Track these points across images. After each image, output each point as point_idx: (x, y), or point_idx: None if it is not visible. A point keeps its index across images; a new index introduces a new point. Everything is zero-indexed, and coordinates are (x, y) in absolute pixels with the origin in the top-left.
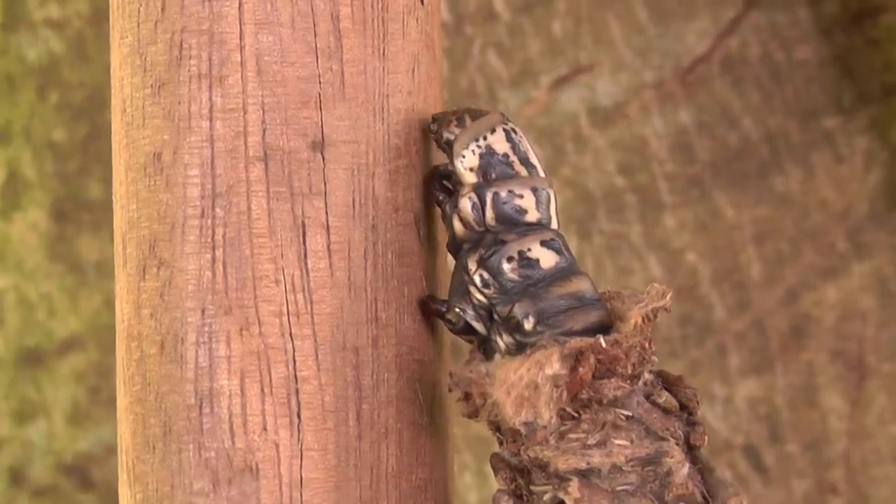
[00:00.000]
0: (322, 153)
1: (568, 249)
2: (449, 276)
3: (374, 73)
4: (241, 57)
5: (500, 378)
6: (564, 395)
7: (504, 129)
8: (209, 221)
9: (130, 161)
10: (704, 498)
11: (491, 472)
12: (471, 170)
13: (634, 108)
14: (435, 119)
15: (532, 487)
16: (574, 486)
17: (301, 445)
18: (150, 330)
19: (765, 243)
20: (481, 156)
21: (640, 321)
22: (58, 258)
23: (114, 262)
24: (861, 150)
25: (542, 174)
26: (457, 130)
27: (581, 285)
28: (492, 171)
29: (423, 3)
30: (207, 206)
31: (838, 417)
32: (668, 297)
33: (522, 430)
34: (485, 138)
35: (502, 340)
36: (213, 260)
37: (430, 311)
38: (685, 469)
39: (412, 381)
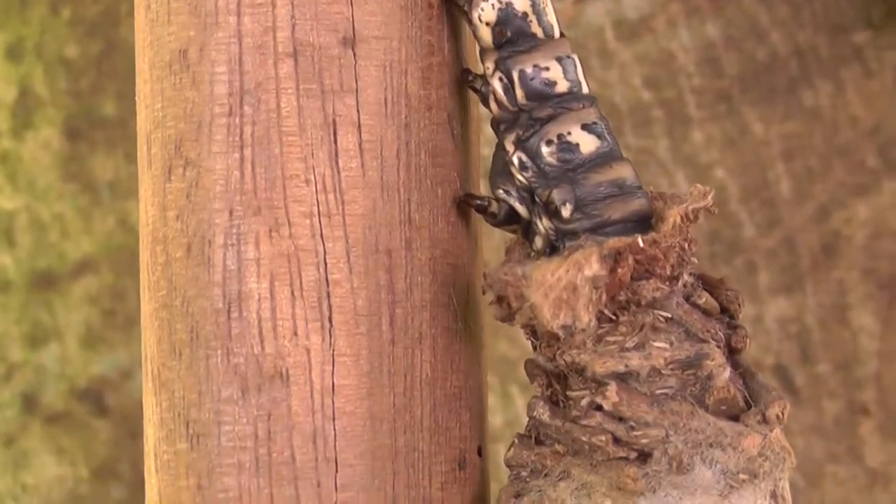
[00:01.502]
0: (353, 49)
1: (611, 133)
2: (483, 175)
3: None
4: None
5: (537, 280)
6: (604, 296)
7: None
8: (237, 119)
9: (155, 59)
10: (746, 402)
11: (515, 392)
12: (487, 24)
13: (661, 22)
14: None
15: (569, 393)
16: (612, 390)
17: (333, 351)
18: (176, 232)
19: (794, 159)
20: (499, 10)
21: (678, 220)
22: (70, 178)
23: (128, 181)
24: (891, 65)
25: (557, 34)
26: None
27: (622, 171)
28: (508, 28)
29: None
30: (235, 103)
31: (869, 337)
32: (709, 197)
33: (560, 333)
34: None
35: (542, 224)
36: (242, 159)
37: (470, 207)
38: (726, 373)
39: (446, 285)
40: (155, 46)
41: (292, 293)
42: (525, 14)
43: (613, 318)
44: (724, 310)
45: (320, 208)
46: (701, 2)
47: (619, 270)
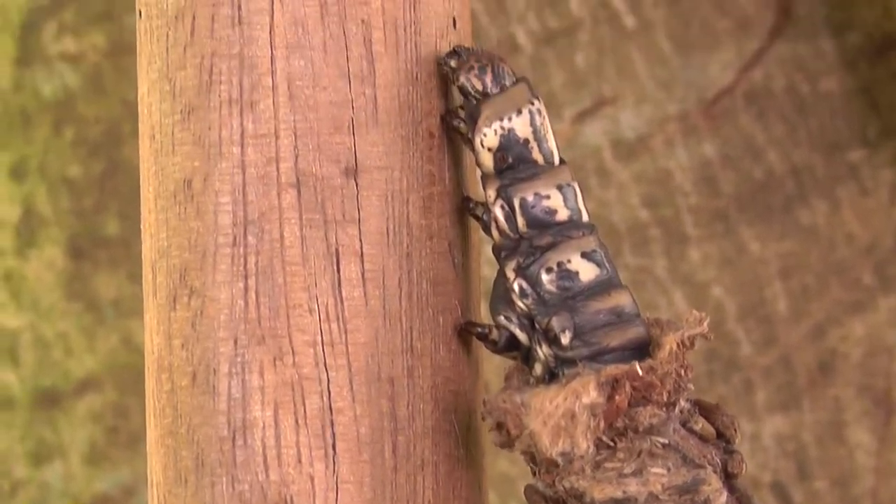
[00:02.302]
0: (355, 179)
1: (610, 260)
2: (483, 302)
3: (407, 97)
4: (273, 81)
5: (535, 408)
6: (602, 423)
7: (529, 112)
8: (241, 249)
9: (160, 188)
10: None
11: None
12: (489, 150)
13: (658, 141)
14: (456, 52)
15: None
16: None
17: (336, 478)
18: (181, 361)
19: (791, 278)
20: (502, 137)
21: (675, 347)
22: (74, 296)
23: (131, 300)
24: (886, 182)
25: (557, 160)
26: (475, 81)
27: (621, 299)
28: (509, 154)
29: (455, 26)
30: (239, 233)
31: (866, 453)
32: (704, 324)
33: (559, 460)
34: (510, 120)
35: (542, 351)
36: (246, 289)
37: (470, 334)
38: (723, 497)
39: (448, 412)
40: (159, 176)
41: (296, 421)
42: (526, 140)
43: (611, 444)
44: (720, 435)
45: (324, 337)
46: (698, 121)
47: (617, 397)
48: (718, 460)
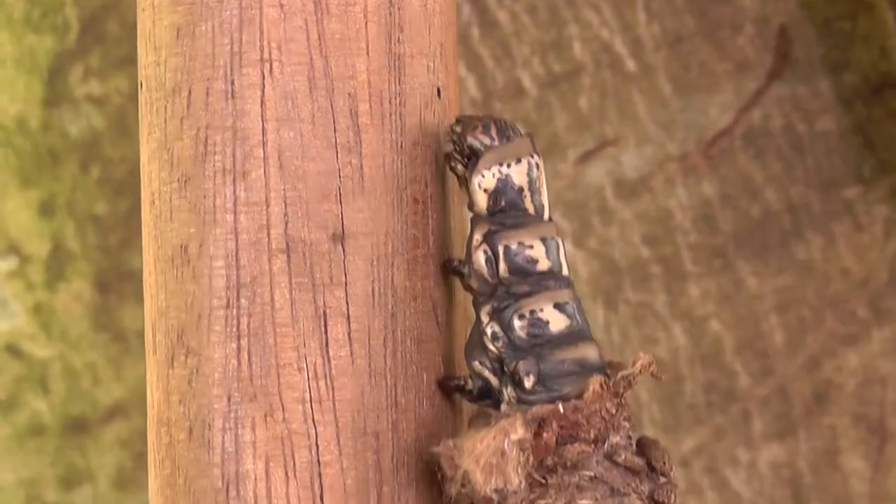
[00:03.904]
0: (342, 245)
1: (582, 314)
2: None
3: (392, 165)
4: (264, 152)
5: (467, 448)
6: (531, 459)
7: (528, 163)
8: (234, 311)
9: (159, 252)
10: None
11: None
12: (485, 191)
13: (659, 181)
14: (459, 121)
15: None
16: None
17: None
18: (178, 416)
19: (787, 311)
20: (499, 180)
21: (598, 388)
22: (101, 328)
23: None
24: (881, 218)
25: (548, 215)
26: (481, 137)
27: (587, 352)
28: (503, 198)
29: (440, 96)
30: (232, 296)
31: (861, 480)
32: (638, 365)
33: (494, 497)
34: (508, 166)
35: (507, 392)
36: (239, 349)
37: (448, 388)
38: None
39: (431, 463)
40: (158, 241)
41: (286, 474)
42: (521, 189)
43: (543, 481)
44: (652, 467)
45: (312, 394)
46: (697, 161)
47: (545, 435)
48: (645, 488)
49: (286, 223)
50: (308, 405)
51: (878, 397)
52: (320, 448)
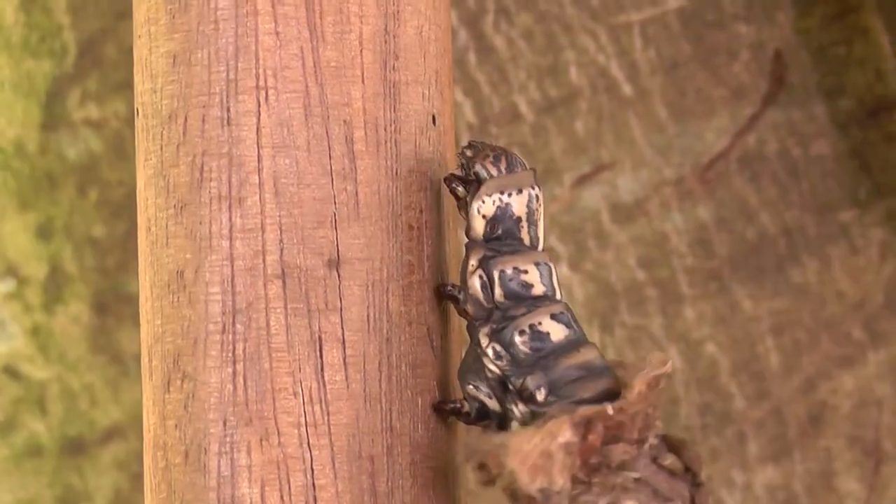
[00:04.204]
0: (337, 270)
1: (576, 321)
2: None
3: (387, 192)
4: (259, 179)
5: (514, 448)
6: (577, 461)
7: (529, 194)
8: (230, 337)
9: (155, 278)
10: None
11: None
12: (483, 217)
13: (655, 205)
14: (472, 146)
15: None
16: None
17: None
18: (174, 440)
19: (782, 334)
20: (498, 208)
21: (644, 388)
22: (99, 350)
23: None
24: (877, 241)
25: (541, 245)
26: (490, 167)
27: (589, 355)
28: (500, 226)
29: (434, 123)
30: (228, 321)
31: (856, 502)
32: (667, 364)
33: (538, 496)
34: (509, 195)
35: (518, 409)
36: (234, 373)
37: (444, 411)
38: None
39: (426, 487)
40: (155, 266)
41: (282, 498)
42: (519, 218)
43: (587, 480)
44: (687, 469)
45: (307, 419)
46: (693, 185)
47: (590, 436)
48: (687, 493)
49: (282, 249)
50: (303, 429)
51: (874, 419)
52: (315, 472)
